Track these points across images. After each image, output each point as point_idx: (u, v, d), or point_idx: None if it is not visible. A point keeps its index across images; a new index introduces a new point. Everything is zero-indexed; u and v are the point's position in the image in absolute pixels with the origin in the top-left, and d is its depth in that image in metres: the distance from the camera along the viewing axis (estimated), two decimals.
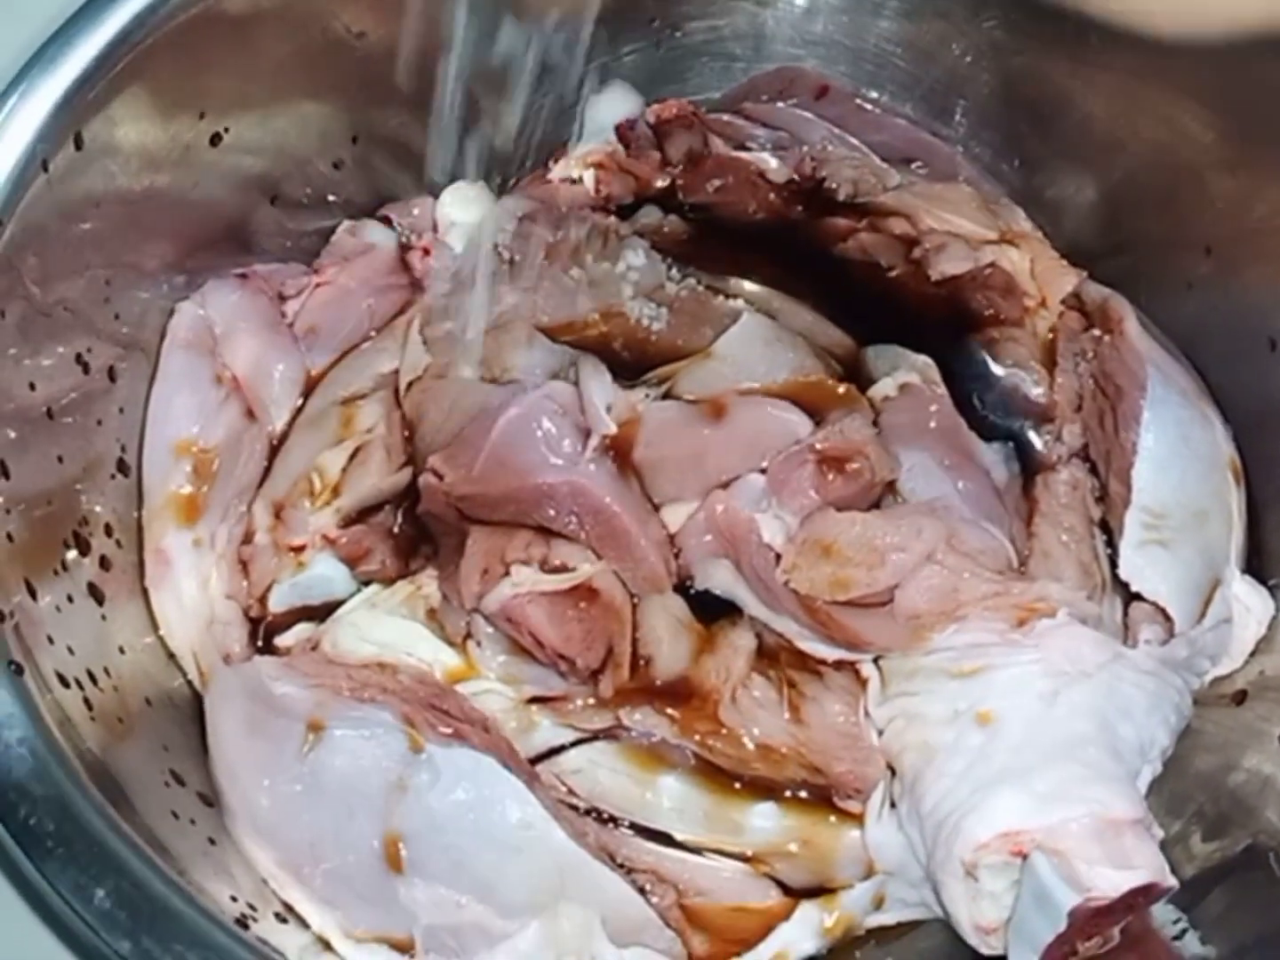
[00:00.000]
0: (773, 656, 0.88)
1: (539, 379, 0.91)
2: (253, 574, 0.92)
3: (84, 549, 0.86)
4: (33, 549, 0.81)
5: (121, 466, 0.91)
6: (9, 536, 0.79)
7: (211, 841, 0.81)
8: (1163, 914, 0.79)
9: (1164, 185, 0.98)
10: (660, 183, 1.05)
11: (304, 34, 0.93)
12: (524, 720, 0.86)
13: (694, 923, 0.83)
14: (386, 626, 0.88)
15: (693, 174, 1.04)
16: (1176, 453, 0.90)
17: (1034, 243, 1.02)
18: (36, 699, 0.73)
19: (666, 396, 0.91)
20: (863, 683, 0.86)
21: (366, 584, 0.92)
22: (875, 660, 0.86)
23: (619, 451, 0.88)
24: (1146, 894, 0.75)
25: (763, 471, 0.87)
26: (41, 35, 0.82)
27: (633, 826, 0.85)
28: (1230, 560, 0.90)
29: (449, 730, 0.82)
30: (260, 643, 0.91)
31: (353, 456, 0.93)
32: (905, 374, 0.94)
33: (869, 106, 1.10)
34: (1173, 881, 0.76)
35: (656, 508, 0.89)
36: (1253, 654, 0.89)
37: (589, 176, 1.05)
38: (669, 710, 0.85)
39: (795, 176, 1.04)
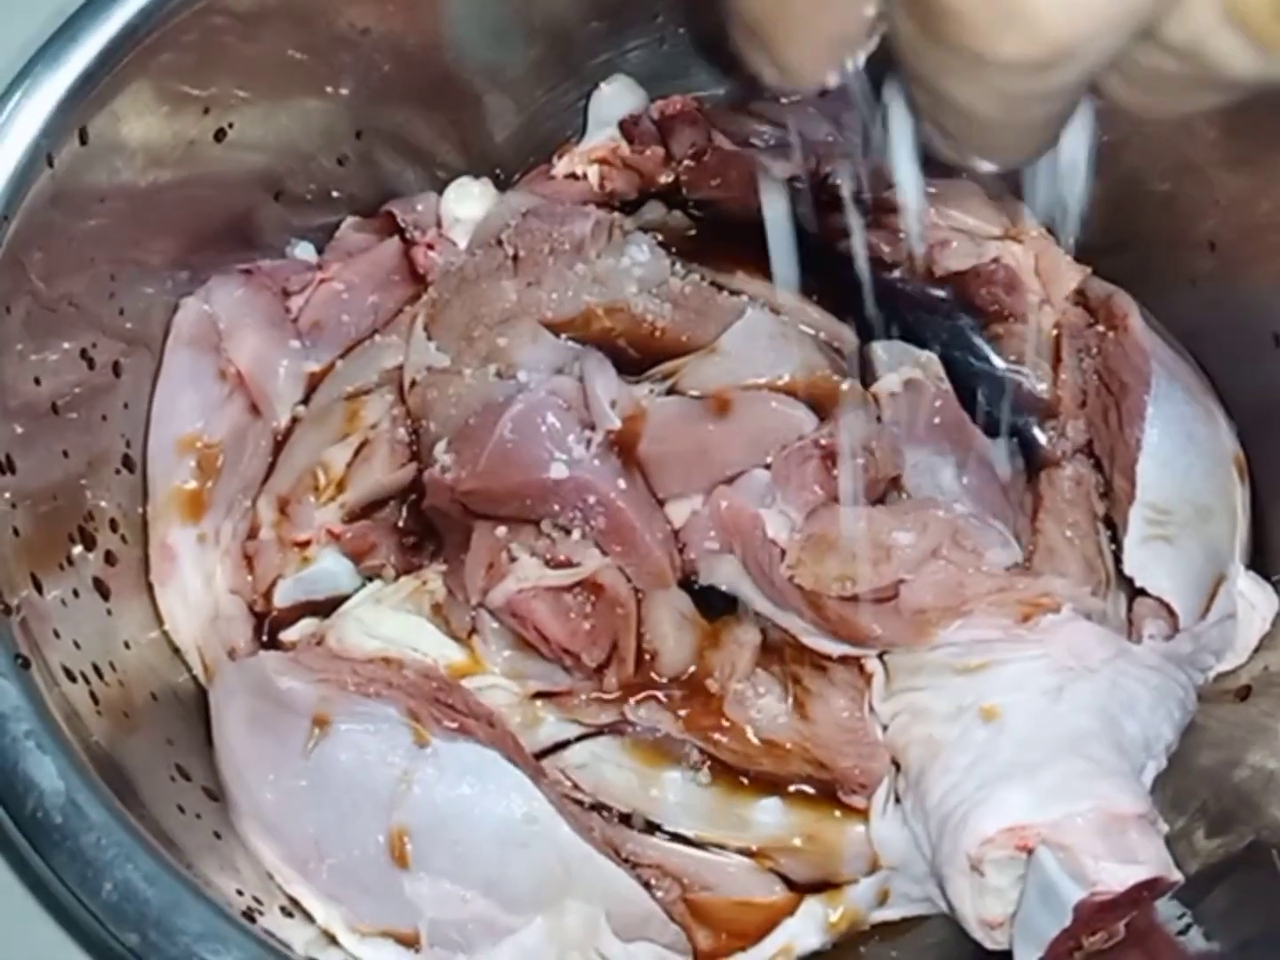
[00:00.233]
0: (777, 652, 0.88)
1: (543, 375, 0.91)
2: (257, 569, 0.92)
3: (89, 544, 0.86)
4: (39, 544, 0.81)
5: (126, 462, 0.91)
6: (15, 531, 0.79)
7: (217, 835, 0.81)
8: (1167, 909, 0.79)
9: (1167, 182, 0.97)
10: (664, 178, 1.05)
11: (308, 30, 0.93)
12: (529, 715, 0.86)
13: (699, 917, 0.84)
14: (391, 622, 0.88)
15: (697, 170, 1.04)
16: (1181, 449, 0.90)
17: (1038, 239, 1.02)
18: (43, 692, 0.73)
19: (671, 392, 0.91)
20: (867, 678, 0.86)
21: (371, 579, 0.92)
22: (880, 656, 0.86)
23: (623, 447, 0.88)
24: (1151, 889, 0.75)
25: (767, 467, 0.87)
26: (46, 30, 0.82)
27: (637, 821, 0.85)
28: (1234, 556, 0.90)
29: (454, 725, 0.82)
30: (265, 638, 0.91)
31: (357, 452, 0.93)
32: (909, 370, 0.94)
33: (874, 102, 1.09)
34: (1178, 876, 0.76)
35: (661, 503, 0.89)
36: (1257, 649, 0.89)
37: (593, 172, 1.05)
38: (674, 706, 0.86)
39: (799, 173, 1.04)
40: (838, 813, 0.85)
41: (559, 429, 0.87)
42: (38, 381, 0.83)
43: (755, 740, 0.85)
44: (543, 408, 0.88)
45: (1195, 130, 0.94)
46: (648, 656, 0.87)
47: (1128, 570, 0.87)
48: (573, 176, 1.06)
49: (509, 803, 0.80)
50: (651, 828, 0.85)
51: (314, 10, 0.93)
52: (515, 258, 0.97)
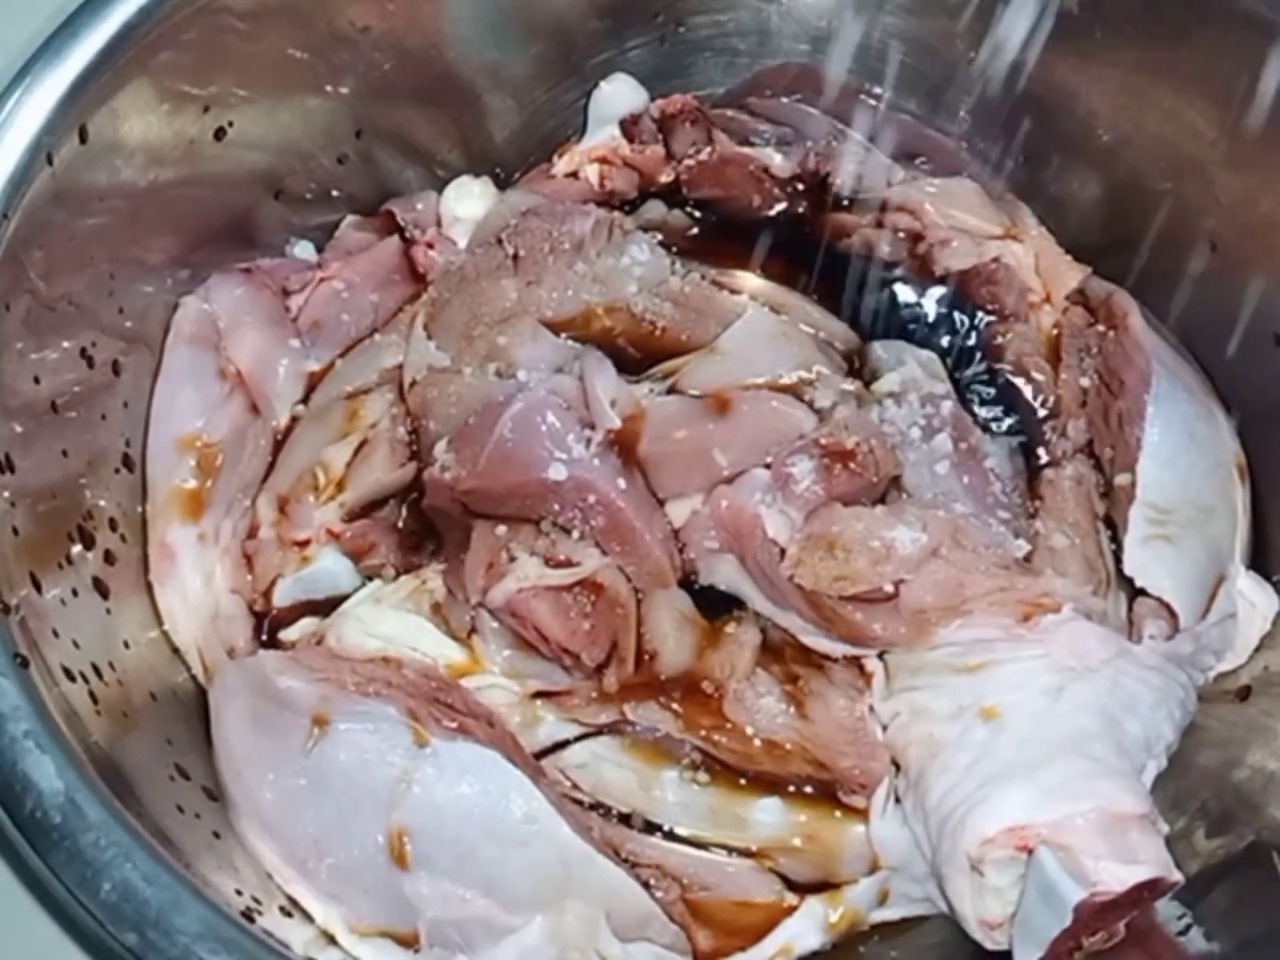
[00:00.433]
0: (777, 652, 0.88)
1: (543, 374, 0.91)
2: (257, 568, 0.92)
3: (89, 543, 0.86)
4: (38, 543, 0.81)
5: (126, 461, 0.91)
6: (14, 530, 0.79)
7: (216, 835, 0.81)
8: (1167, 910, 0.79)
9: (1168, 181, 0.98)
10: (664, 177, 1.05)
11: (309, 28, 0.93)
12: (528, 715, 0.86)
13: (698, 917, 0.84)
14: (391, 621, 0.88)
15: (697, 169, 1.04)
16: (1181, 448, 0.91)
17: (1038, 238, 1.02)
18: (42, 692, 0.73)
19: (671, 391, 0.91)
20: (867, 678, 0.86)
21: (371, 578, 0.92)
22: (880, 655, 0.87)
23: (623, 446, 0.88)
24: (1152, 889, 0.75)
25: (767, 466, 0.87)
26: (46, 29, 0.82)
27: (637, 821, 0.85)
28: (1235, 556, 0.90)
29: (454, 724, 0.82)
30: (265, 637, 0.91)
31: (357, 451, 0.93)
32: (910, 369, 0.94)
33: (873, 102, 1.09)
34: (1178, 876, 0.76)
35: (661, 503, 0.89)
36: (1257, 650, 0.89)
37: (593, 171, 1.05)
38: (673, 705, 0.86)
39: (799, 172, 1.04)
40: (837, 813, 0.85)
41: (559, 428, 0.87)
42: (37, 380, 0.83)
43: (755, 740, 0.85)
44: (542, 407, 0.88)
45: (1196, 130, 0.94)
46: (647, 656, 0.87)
47: (1128, 570, 0.87)
48: (573, 175, 1.06)
49: (508, 802, 0.80)
50: (651, 828, 0.85)
51: (314, 9, 0.93)
52: (515, 257, 0.97)
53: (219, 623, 0.90)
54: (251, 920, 0.73)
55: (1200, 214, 0.95)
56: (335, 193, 1.03)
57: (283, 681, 0.83)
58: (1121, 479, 0.91)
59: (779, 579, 0.85)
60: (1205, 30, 0.91)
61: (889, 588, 0.83)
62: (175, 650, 0.91)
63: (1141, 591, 0.87)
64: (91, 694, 0.79)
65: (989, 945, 0.80)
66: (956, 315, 0.99)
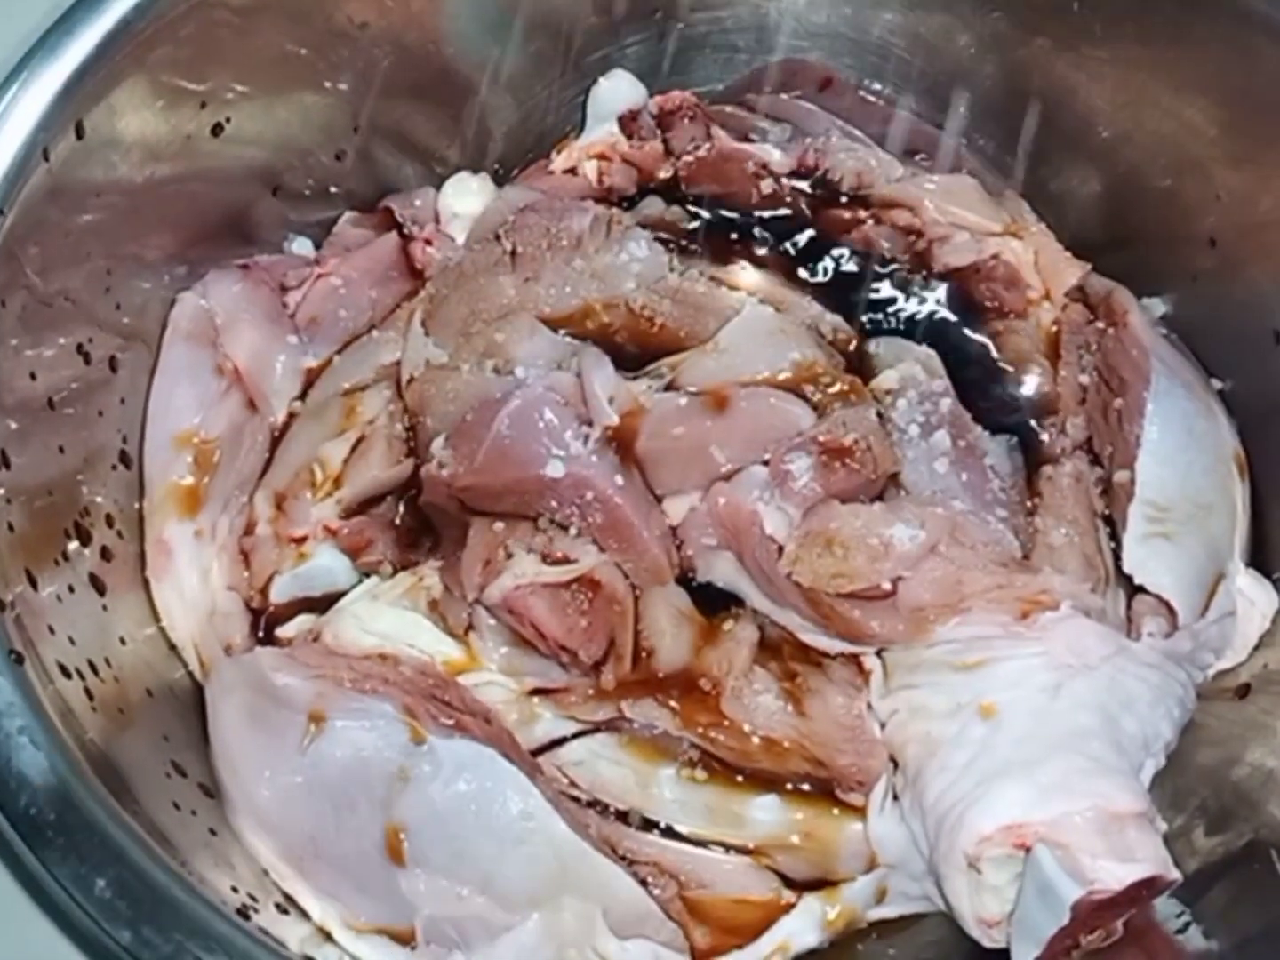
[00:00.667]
0: (775, 649, 0.88)
1: (541, 370, 0.91)
2: (254, 565, 0.92)
3: (85, 540, 0.85)
4: (34, 539, 0.81)
5: (123, 457, 0.91)
6: (10, 526, 0.79)
7: (212, 832, 0.81)
8: (1166, 908, 0.79)
9: (1168, 178, 0.97)
10: (663, 174, 1.05)
11: (306, 24, 0.93)
12: (526, 712, 0.86)
13: (696, 915, 0.83)
14: (388, 618, 0.88)
15: (696, 165, 1.04)
16: (1181, 446, 0.90)
17: (1038, 235, 1.02)
18: (38, 689, 0.73)
19: (669, 388, 0.91)
20: (865, 675, 0.86)
21: (368, 575, 0.92)
22: (878, 653, 0.86)
23: (621, 443, 0.88)
24: (1150, 887, 0.75)
25: (765, 463, 0.87)
26: (43, 24, 0.82)
27: (634, 818, 0.85)
28: (1234, 553, 0.90)
29: (450, 722, 0.82)
30: (261, 634, 0.91)
31: (354, 447, 0.93)
32: (908, 366, 0.94)
33: (872, 98, 1.09)
34: (1176, 875, 0.76)
35: (659, 499, 0.89)
36: (1256, 648, 0.89)
37: (591, 167, 1.05)
38: (671, 702, 0.85)
39: (798, 168, 1.03)
40: (835, 810, 0.85)
41: (556, 425, 0.87)
42: (33, 377, 0.83)
43: (753, 737, 0.85)
44: (540, 404, 0.87)
45: (1196, 127, 0.94)
46: (645, 653, 0.86)
47: (1127, 567, 0.87)
48: (571, 171, 1.06)
49: (505, 800, 0.80)
50: (648, 825, 0.85)
51: (312, 4, 0.93)
52: (513, 253, 0.96)
53: (216, 619, 0.90)
54: (247, 917, 0.73)
55: (1200, 211, 0.95)
56: (333, 189, 1.03)
57: (279, 678, 0.83)
58: (1120, 476, 0.90)
59: (777, 576, 0.84)
60: (1205, 27, 0.91)
61: (887, 585, 0.83)
62: (172, 647, 0.91)
63: (1140, 589, 0.87)
64: (87, 690, 0.79)
65: (987, 943, 0.80)
66: (955, 312, 0.99)
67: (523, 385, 0.89)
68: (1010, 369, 0.97)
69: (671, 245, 0.99)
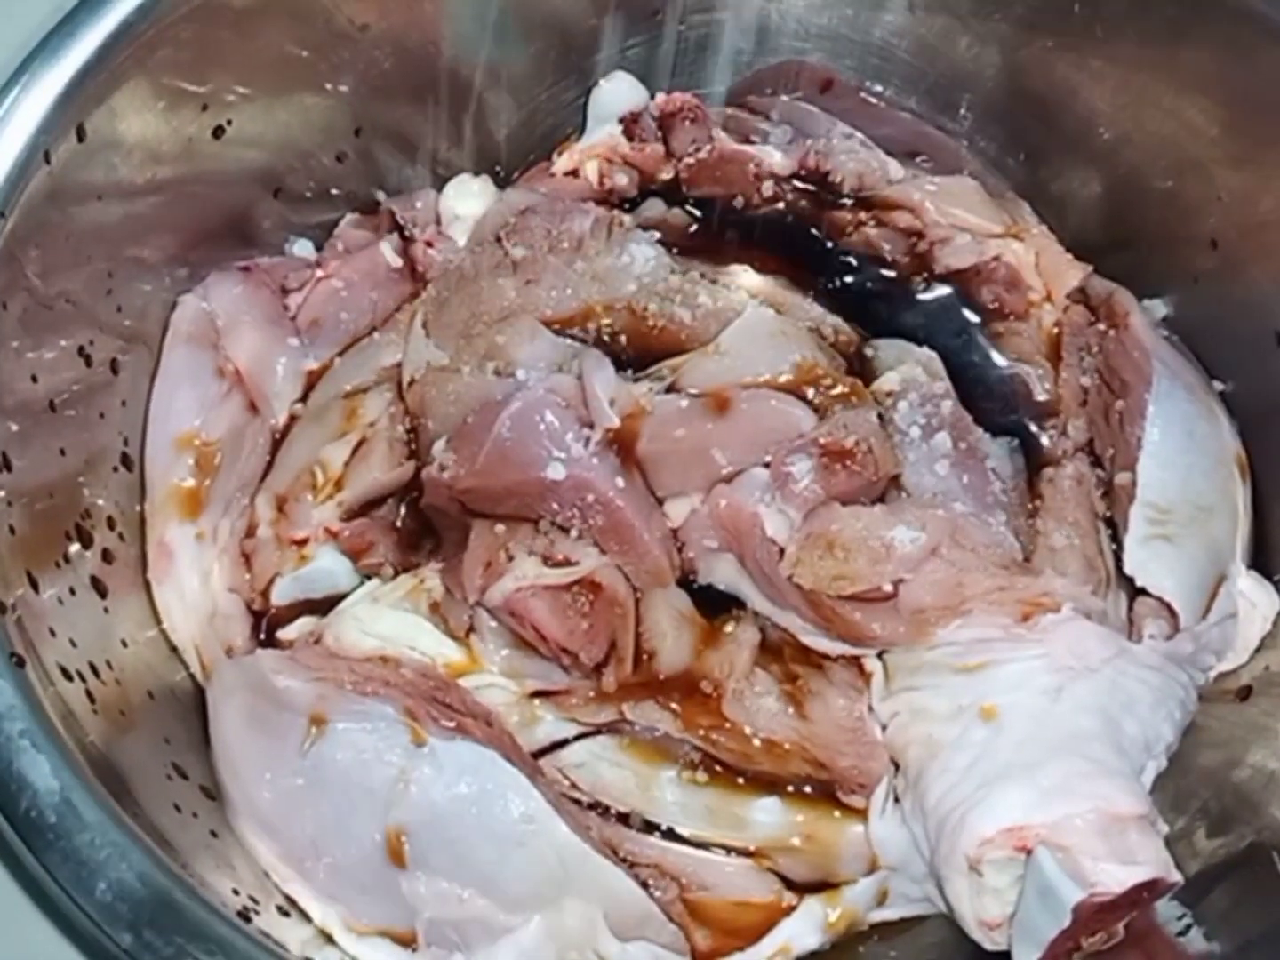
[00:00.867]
0: (776, 651, 0.88)
1: (542, 372, 0.91)
2: (255, 567, 0.92)
3: (86, 542, 0.85)
4: (35, 542, 0.81)
5: (124, 460, 0.91)
6: (11, 529, 0.79)
7: (213, 835, 0.81)
8: (1167, 910, 0.79)
9: (1169, 180, 0.97)
10: (664, 175, 1.05)
11: (307, 26, 0.93)
12: (527, 714, 0.86)
13: (697, 917, 0.83)
14: (389, 620, 0.88)
15: (697, 167, 1.04)
16: (1182, 448, 0.90)
17: (1039, 237, 1.02)
18: (39, 691, 0.73)
19: (670, 390, 0.91)
20: (867, 678, 0.86)
21: (369, 577, 0.92)
22: (879, 655, 0.86)
23: (622, 445, 0.88)
24: (1151, 889, 0.75)
25: (766, 465, 0.87)
26: (44, 27, 0.82)
27: (635, 821, 0.85)
28: (1236, 555, 0.90)
29: (451, 724, 0.82)
30: (262, 636, 0.91)
31: (355, 450, 0.93)
32: (909, 368, 0.94)
33: (874, 100, 1.09)
34: (1177, 877, 0.75)
35: (660, 502, 0.89)
36: (1258, 649, 0.89)
37: (593, 169, 1.05)
38: (672, 705, 0.85)
39: (800, 170, 1.03)
40: (836, 812, 0.85)
41: (557, 427, 0.87)
42: (35, 379, 0.82)
43: (754, 739, 0.85)
44: (541, 406, 0.87)
45: (1197, 128, 0.94)
46: (646, 655, 0.86)
47: (1128, 569, 0.87)
48: (573, 173, 1.06)
49: (506, 802, 0.80)
50: (650, 827, 0.85)
51: (312, 7, 0.93)
52: (514, 255, 0.96)
53: (217, 622, 0.90)
54: (249, 920, 0.73)
55: (1201, 212, 0.95)
56: (334, 191, 1.03)
57: (280, 680, 0.83)
58: (1121, 478, 0.90)
59: (778, 578, 0.84)
60: (1205, 28, 0.91)
61: (888, 587, 0.83)
62: (173, 649, 0.90)
63: (1142, 591, 0.87)
64: (89, 693, 0.79)
65: (988, 946, 0.80)
66: (957, 314, 0.99)
67: (524, 387, 0.89)
68: (1011, 371, 0.97)
69: (673, 247, 0.99)
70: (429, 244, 1.01)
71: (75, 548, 0.84)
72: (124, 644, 0.86)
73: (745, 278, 1.00)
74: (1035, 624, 0.83)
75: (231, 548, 0.92)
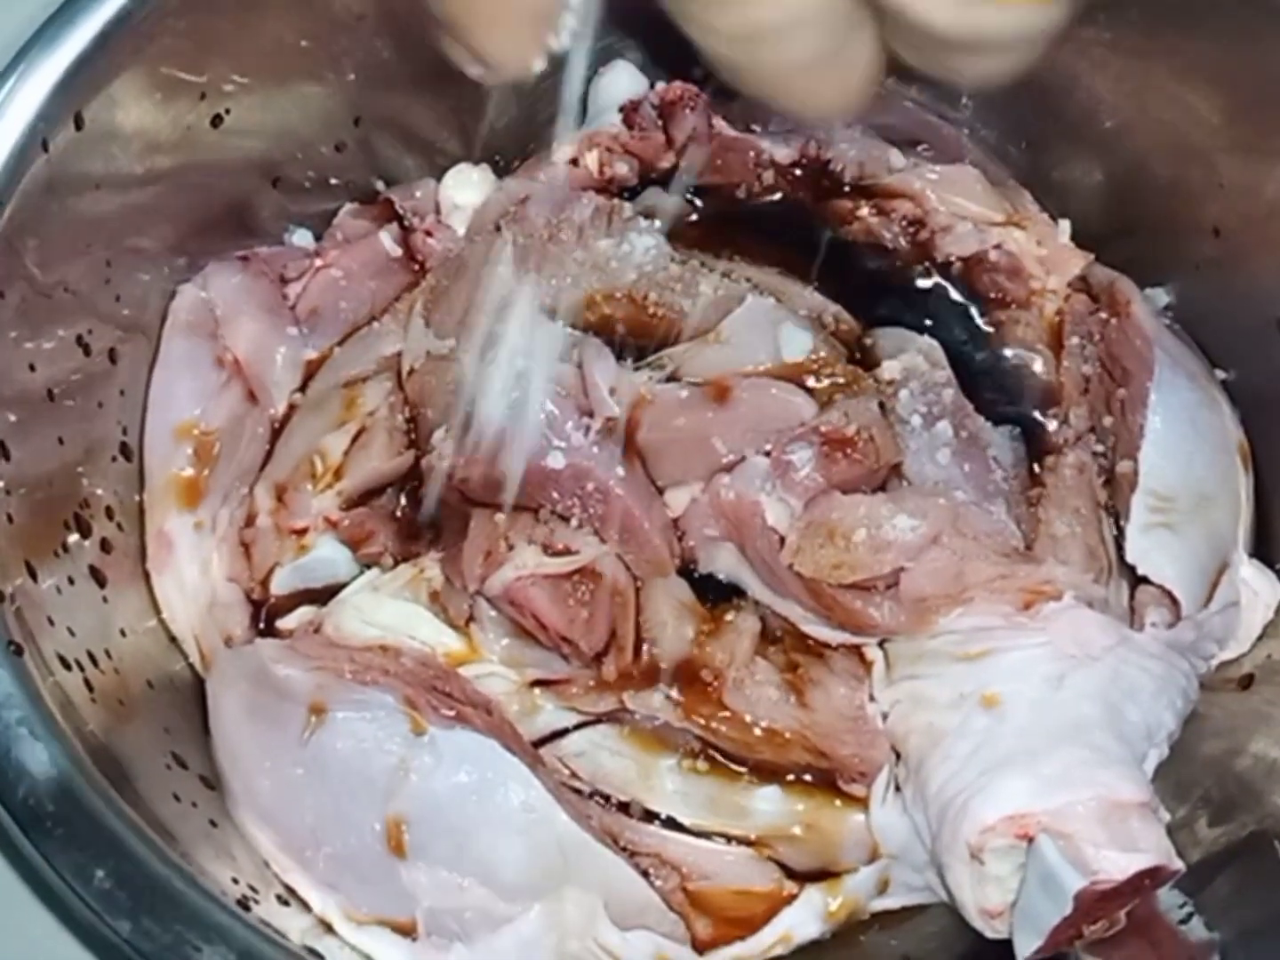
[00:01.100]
0: (777, 640, 0.88)
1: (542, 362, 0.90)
2: (254, 557, 0.92)
3: (85, 531, 0.85)
4: (33, 531, 0.80)
5: (123, 449, 0.91)
6: (9, 518, 0.78)
7: (213, 824, 0.81)
8: (1168, 898, 0.79)
9: (1172, 167, 0.97)
10: (665, 164, 1.05)
11: (307, 14, 0.92)
12: (527, 703, 0.86)
13: (697, 906, 0.83)
14: (389, 609, 0.88)
15: (697, 156, 1.04)
16: (1184, 436, 0.90)
17: (1041, 225, 1.02)
18: (37, 680, 0.73)
19: (670, 379, 0.90)
20: (868, 666, 0.86)
21: (369, 567, 0.92)
22: (880, 643, 0.86)
23: (623, 434, 0.88)
24: (1153, 877, 0.75)
25: (767, 454, 0.87)
26: (41, 14, 0.82)
27: (636, 810, 0.84)
28: (1238, 544, 0.89)
29: (451, 713, 0.82)
30: (262, 626, 0.91)
31: (355, 439, 0.93)
32: (911, 356, 0.93)
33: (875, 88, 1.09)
34: (1179, 865, 0.75)
35: (660, 491, 0.89)
36: (1260, 638, 0.89)
37: (593, 158, 1.04)
38: (672, 694, 0.85)
39: (800, 158, 1.03)
40: (837, 801, 0.84)
41: (558, 416, 0.87)
42: (33, 368, 0.82)
43: (754, 728, 0.84)
44: (541, 395, 0.87)
45: (1199, 115, 0.93)
46: (646, 644, 0.86)
47: (1130, 558, 0.87)
48: (573, 162, 1.05)
49: (506, 791, 0.80)
50: (650, 816, 0.85)
51: None
52: (514, 244, 0.96)
53: (216, 611, 0.90)
54: (248, 909, 0.73)
55: (1203, 200, 0.95)
56: (334, 180, 1.03)
57: (280, 670, 0.83)
58: (1123, 466, 0.90)
59: (778, 567, 0.84)
60: (1208, 14, 0.90)
61: (889, 575, 0.82)
62: (172, 639, 0.90)
63: (1144, 579, 0.87)
64: (87, 682, 0.79)
65: (989, 934, 0.80)
66: (958, 302, 0.99)
67: (523, 377, 0.89)
68: (1013, 359, 0.97)
69: (672, 236, 0.98)
70: (428, 233, 1.01)
71: (74, 537, 0.84)
72: (123, 633, 0.86)
73: (745, 267, 0.99)
74: (1037, 612, 0.83)
75: (231, 537, 0.92)
